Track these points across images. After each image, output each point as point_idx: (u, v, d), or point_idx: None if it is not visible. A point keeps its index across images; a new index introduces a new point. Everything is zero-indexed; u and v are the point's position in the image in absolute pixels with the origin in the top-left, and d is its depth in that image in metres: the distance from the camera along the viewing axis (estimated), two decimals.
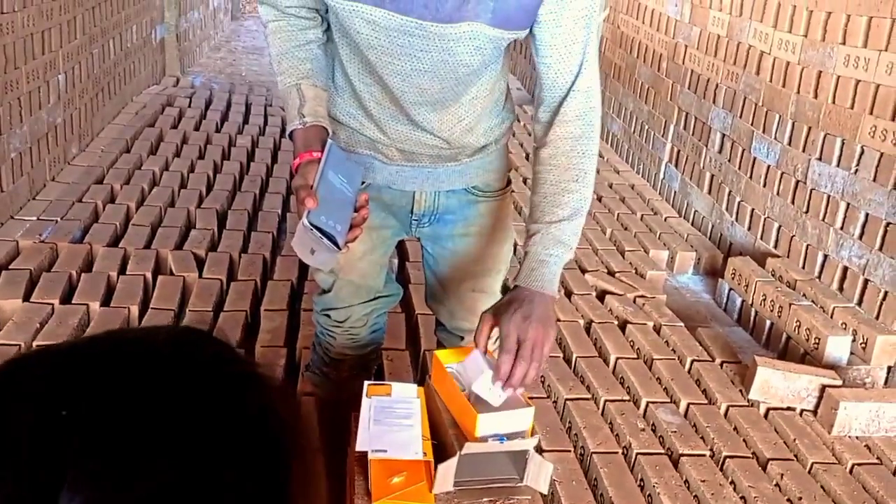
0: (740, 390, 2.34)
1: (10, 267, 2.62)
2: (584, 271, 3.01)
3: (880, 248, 2.56)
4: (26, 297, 2.46)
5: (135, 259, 2.75)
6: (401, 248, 2.86)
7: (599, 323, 2.64)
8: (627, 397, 2.27)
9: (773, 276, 2.94)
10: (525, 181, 3.65)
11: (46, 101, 3.33)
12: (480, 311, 1.29)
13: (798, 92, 2.99)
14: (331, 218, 1.14)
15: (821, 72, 2.87)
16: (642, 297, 2.86)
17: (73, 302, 2.46)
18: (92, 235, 2.92)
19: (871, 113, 2.63)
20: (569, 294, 2.83)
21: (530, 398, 1.25)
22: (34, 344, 2.22)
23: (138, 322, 2.41)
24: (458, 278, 1.54)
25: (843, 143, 2.76)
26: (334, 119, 1.39)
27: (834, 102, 2.80)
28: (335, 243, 1.13)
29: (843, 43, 2.75)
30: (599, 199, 3.78)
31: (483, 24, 1.18)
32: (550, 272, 1.25)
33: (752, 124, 3.28)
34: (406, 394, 1.26)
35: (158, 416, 0.51)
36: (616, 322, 2.68)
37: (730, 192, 3.43)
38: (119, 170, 3.57)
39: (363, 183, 1.36)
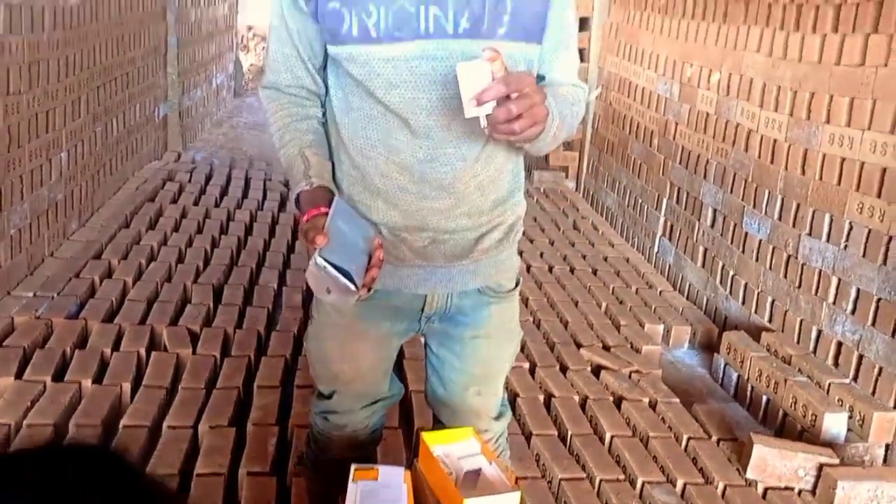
0: (737, 469, 2.31)
1: (3, 344, 2.62)
2: (579, 346, 3.01)
3: (873, 324, 2.56)
4: (19, 375, 2.45)
5: (129, 335, 2.75)
6: None
7: (595, 399, 2.62)
8: (623, 476, 2.24)
9: (768, 350, 2.93)
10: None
11: (48, 178, 3.39)
12: (485, 413, 1.27)
13: (786, 168, 3.05)
14: (344, 259, 1.12)
15: (807, 149, 2.93)
16: (638, 372, 2.85)
17: (66, 380, 2.45)
18: (88, 311, 2.93)
19: (857, 190, 2.67)
20: (564, 369, 2.82)
21: (524, 478, 1.24)
22: (24, 423, 2.21)
23: (130, 400, 2.39)
24: (463, 382, 1.51)
25: (831, 219, 2.79)
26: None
27: (821, 179, 2.85)
28: (352, 281, 1.11)
29: (828, 122, 2.82)
30: (594, 272, 3.80)
31: (499, 41, 1.23)
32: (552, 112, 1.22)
33: (742, 199, 3.33)
34: (393, 477, 1.25)
35: None
36: (612, 398, 2.66)
37: (723, 265, 3.46)
38: (117, 245, 3.60)
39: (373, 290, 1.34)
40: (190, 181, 4.75)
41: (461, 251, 1.38)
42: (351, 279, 1.11)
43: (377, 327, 1.42)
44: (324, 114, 1.39)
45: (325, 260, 1.09)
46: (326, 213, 1.19)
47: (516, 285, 1.51)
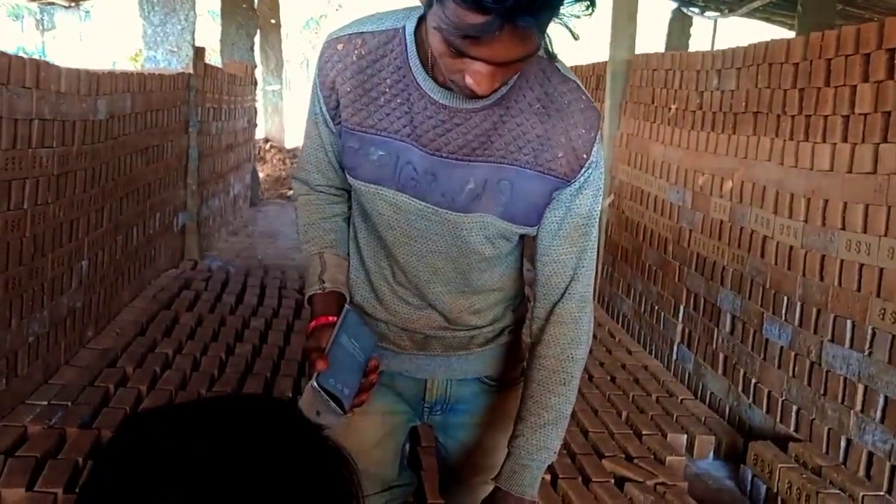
0: None
1: (16, 454, 2.58)
2: (601, 456, 2.93)
3: None
4: (30, 486, 2.39)
5: None
6: (412, 432, 2.81)
7: None
8: None
9: (796, 461, 2.85)
10: None
11: (69, 286, 3.42)
12: None
13: (803, 275, 3.05)
14: (339, 381, 1.16)
15: (824, 255, 2.94)
16: (663, 484, 2.77)
17: (77, 491, 2.39)
18: (101, 419, 2.89)
19: (878, 295, 2.66)
20: (587, 481, 2.74)
21: None
22: None
23: None
24: (470, 471, 1.52)
25: (853, 325, 2.77)
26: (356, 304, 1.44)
27: (840, 285, 2.84)
28: (341, 406, 1.15)
29: (843, 228, 2.84)
30: (613, 379, 3.75)
31: (493, 217, 1.26)
32: (532, 477, 1.29)
33: (761, 306, 3.31)
34: None
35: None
36: None
37: (745, 373, 3.41)
38: (133, 352, 3.59)
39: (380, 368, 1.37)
40: (206, 289, 4.79)
41: (459, 345, 1.43)
42: (341, 405, 1.16)
43: (380, 403, 1.43)
44: (350, 207, 1.45)
45: (321, 386, 1.14)
46: (333, 323, 1.24)
47: (520, 375, 1.50)
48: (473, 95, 1.11)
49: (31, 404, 2.97)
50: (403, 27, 1.26)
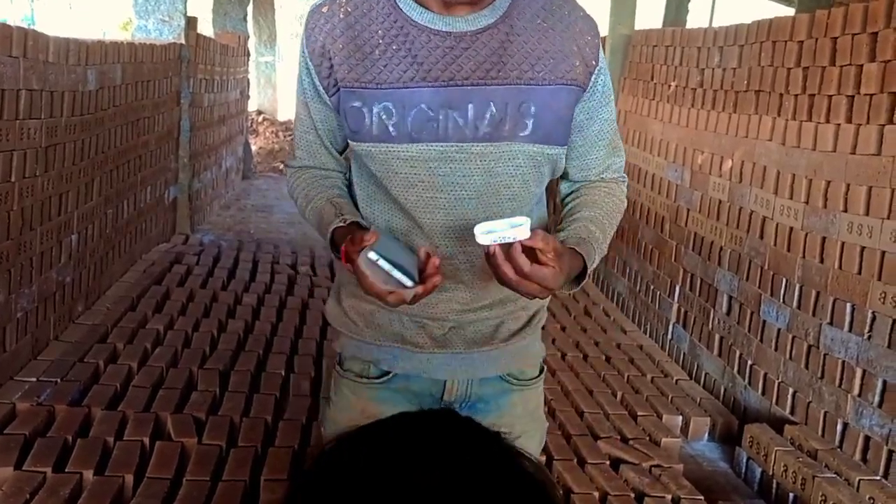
0: None
1: (4, 431, 2.54)
2: (596, 438, 2.91)
3: None
4: (19, 464, 2.36)
5: (133, 423, 2.67)
6: None
7: (616, 496, 2.51)
8: None
9: (792, 444, 2.84)
10: None
11: (58, 260, 3.36)
12: None
13: (803, 257, 3.02)
14: (398, 257, 1.11)
15: (825, 238, 2.91)
16: (658, 466, 2.75)
17: (67, 470, 2.36)
18: (91, 397, 2.84)
19: (879, 279, 2.63)
20: (582, 463, 2.72)
21: None
22: None
23: (132, 493, 2.29)
24: None
25: (853, 309, 2.74)
26: (356, 311, 1.38)
27: (841, 268, 2.81)
28: (408, 276, 1.09)
29: (846, 210, 2.80)
30: (608, 359, 3.73)
31: (521, 143, 1.23)
32: (593, 249, 1.29)
33: (759, 287, 3.28)
34: None
35: None
36: (633, 494, 2.56)
37: (740, 354, 3.39)
38: (123, 328, 3.54)
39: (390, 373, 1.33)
40: (198, 263, 4.73)
41: (482, 338, 1.36)
42: (407, 273, 1.09)
43: (394, 409, 1.36)
44: (348, 186, 1.40)
45: (377, 253, 1.08)
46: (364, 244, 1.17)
47: (540, 372, 1.48)
48: None
49: (19, 381, 2.93)
50: None
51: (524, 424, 1.43)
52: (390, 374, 1.37)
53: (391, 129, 1.22)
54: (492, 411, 1.40)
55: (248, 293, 4.26)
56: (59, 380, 2.95)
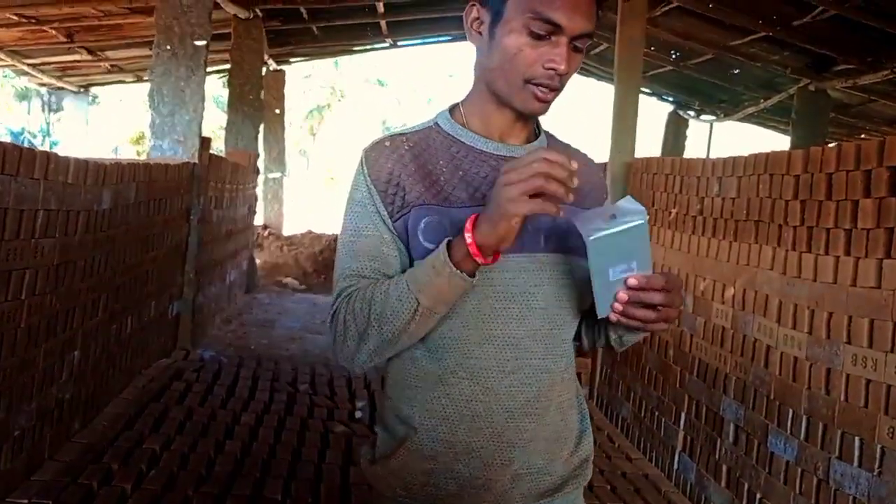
0: None
1: None
2: None
3: None
4: None
5: None
6: None
7: None
8: None
9: None
10: None
11: (59, 377, 3.34)
12: None
13: (809, 388, 3.00)
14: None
15: (829, 369, 2.90)
16: None
17: None
18: None
19: (885, 413, 2.60)
20: None
21: None
22: None
23: None
24: None
25: (862, 443, 2.70)
26: (417, 470, 1.33)
27: (847, 401, 2.79)
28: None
29: (849, 342, 2.81)
30: (613, 489, 3.64)
31: (572, 257, 1.33)
32: None
33: (765, 417, 3.24)
34: None
35: None
36: None
37: (749, 487, 3.31)
38: (119, 447, 3.48)
39: None
40: (197, 380, 4.70)
41: (545, 487, 1.36)
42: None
43: None
44: None
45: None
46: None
47: None
48: (551, 84, 1.27)
49: (11, 503, 2.85)
50: (435, 122, 1.39)
51: None
52: None
53: None
54: None
55: (246, 412, 4.21)
56: (51, 502, 2.87)
